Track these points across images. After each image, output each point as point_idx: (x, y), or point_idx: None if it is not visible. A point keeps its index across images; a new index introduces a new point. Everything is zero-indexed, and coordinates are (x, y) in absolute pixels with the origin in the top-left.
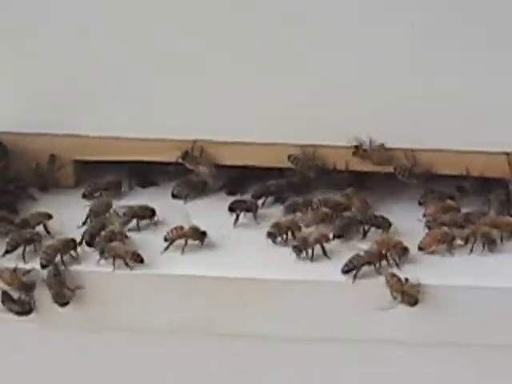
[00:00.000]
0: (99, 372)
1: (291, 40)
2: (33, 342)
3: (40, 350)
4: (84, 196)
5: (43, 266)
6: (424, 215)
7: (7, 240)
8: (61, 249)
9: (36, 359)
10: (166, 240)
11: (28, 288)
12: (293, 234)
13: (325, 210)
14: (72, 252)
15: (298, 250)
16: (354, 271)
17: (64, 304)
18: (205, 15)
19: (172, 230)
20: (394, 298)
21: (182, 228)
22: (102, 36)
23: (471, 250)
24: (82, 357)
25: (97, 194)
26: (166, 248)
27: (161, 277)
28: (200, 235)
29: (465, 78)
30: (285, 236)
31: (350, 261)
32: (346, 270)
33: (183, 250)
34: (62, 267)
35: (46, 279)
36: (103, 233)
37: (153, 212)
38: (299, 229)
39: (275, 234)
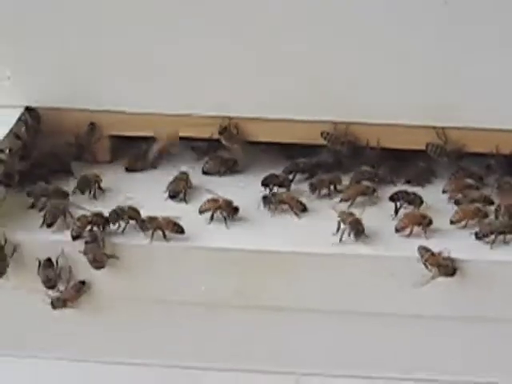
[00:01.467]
0: (132, 343)
1: (325, 24)
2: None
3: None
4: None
5: (74, 238)
6: (443, 191)
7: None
8: (92, 221)
9: (65, 329)
10: (200, 212)
11: None
12: (335, 187)
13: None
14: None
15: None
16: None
17: (100, 268)
18: None
19: (206, 202)
20: (431, 272)
21: (216, 200)
22: (141, 16)
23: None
24: (117, 329)
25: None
26: (211, 219)
27: (193, 249)
28: (232, 209)
29: (495, 56)
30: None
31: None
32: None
33: (211, 219)
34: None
35: (84, 246)
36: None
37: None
38: (340, 183)
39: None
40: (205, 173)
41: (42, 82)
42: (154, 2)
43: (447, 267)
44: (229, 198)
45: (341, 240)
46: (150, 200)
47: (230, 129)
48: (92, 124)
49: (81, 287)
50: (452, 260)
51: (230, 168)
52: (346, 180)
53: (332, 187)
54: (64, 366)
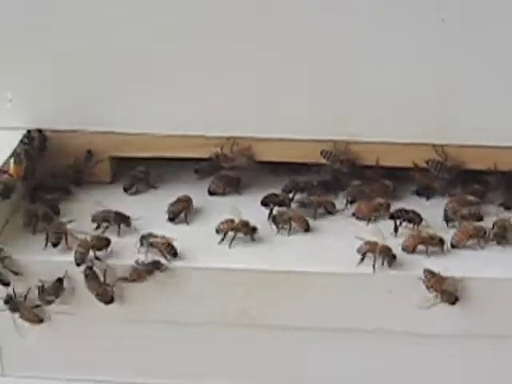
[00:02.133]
0: (139, 364)
1: (326, 41)
2: (73, 334)
3: (80, 342)
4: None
5: (78, 265)
6: (445, 210)
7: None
8: (95, 245)
9: (76, 350)
10: (217, 232)
11: None
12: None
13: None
14: (105, 248)
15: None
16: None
17: (109, 302)
18: (235, 16)
19: (223, 223)
20: (436, 297)
21: (232, 221)
22: (140, 36)
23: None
24: (122, 349)
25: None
26: (221, 240)
27: (199, 270)
28: (250, 229)
29: (494, 74)
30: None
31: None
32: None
33: (231, 242)
34: (96, 264)
35: (85, 282)
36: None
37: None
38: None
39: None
40: (210, 193)
41: (43, 104)
42: (154, 23)
43: (451, 295)
44: (245, 219)
45: (374, 270)
46: (152, 222)
47: (232, 148)
48: (89, 151)
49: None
50: (456, 288)
51: (235, 187)
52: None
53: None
54: None
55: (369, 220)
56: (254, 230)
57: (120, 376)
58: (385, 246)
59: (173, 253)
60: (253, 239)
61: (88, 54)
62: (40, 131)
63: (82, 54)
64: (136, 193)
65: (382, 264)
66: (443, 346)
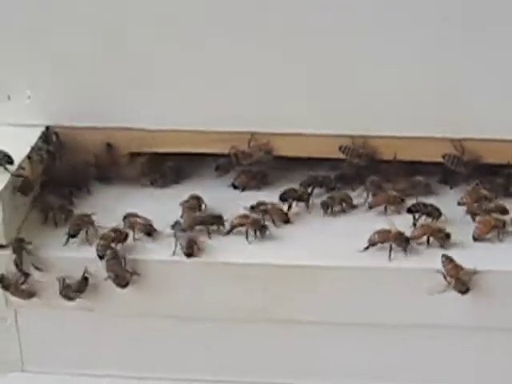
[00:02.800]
0: (151, 358)
1: (337, 36)
2: (89, 329)
3: (95, 337)
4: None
5: (100, 257)
6: (458, 203)
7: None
8: (115, 238)
9: (91, 345)
10: (232, 227)
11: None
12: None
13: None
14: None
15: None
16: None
17: (125, 285)
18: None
19: (236, 218)
20: (448, 283)
21: (247, 217)
22: (154, 31)
23: None
24: (136, 344)
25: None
26: (228, 232)
27: (213, 265)
28: (261, 227)
29: (507, 68)
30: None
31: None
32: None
33: (246, 237)
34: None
35: (105, 264)
36: None
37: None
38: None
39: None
40: (234, 187)
41: (62, 101)
42: (171, 22)
43: (463, 284)
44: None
45: (390, 258)
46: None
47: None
48: (108, 144)
49: None
50: (470, 278)
51: (260, 181)
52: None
53: (344, 204)
54: (79, 381)
55: (385, 210)
56: (264, 227)
57: (136, 371)
58: (397, 232)
59: (147, 232)
60: (262, 237)
61: (103, 51)
62: (56, 134)
63: (97, 51)
64: (163, 186)
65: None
66: (456, 338)
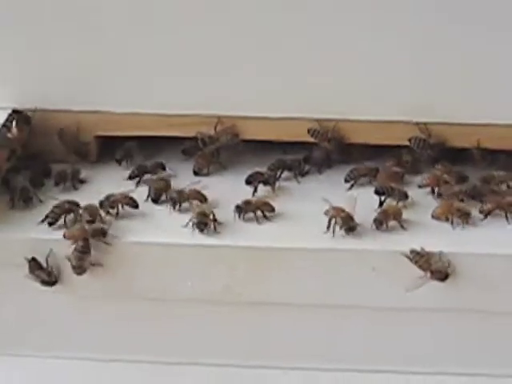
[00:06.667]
0: (122, 340)
1: (307, 20)
2: (60, 310)
3: (64, 320)
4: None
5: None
6: (419, 186)
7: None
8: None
9: (63, 327)
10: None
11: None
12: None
13: None
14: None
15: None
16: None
17: (82, 273)
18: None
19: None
20: (425, 276)
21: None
22: (124, 16)
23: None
24: (104, 326)
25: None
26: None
27: (182, 247)
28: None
29: (476, 52)
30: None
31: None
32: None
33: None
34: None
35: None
36: None
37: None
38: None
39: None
40: (195, 173)
41: (29, 83)
42: (138, 6)
43: (440, 272)
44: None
45: (330, 231)
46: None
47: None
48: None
49: None
50: (445, 265)
51: (218, 163)
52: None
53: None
54: (51, 363)
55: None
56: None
57: (102, 353)
58: (348, 214)
59: (134, 205)
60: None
61: (74, 35)
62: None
63: (68, 33)
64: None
65: (340, 229)
66: (424, 320)
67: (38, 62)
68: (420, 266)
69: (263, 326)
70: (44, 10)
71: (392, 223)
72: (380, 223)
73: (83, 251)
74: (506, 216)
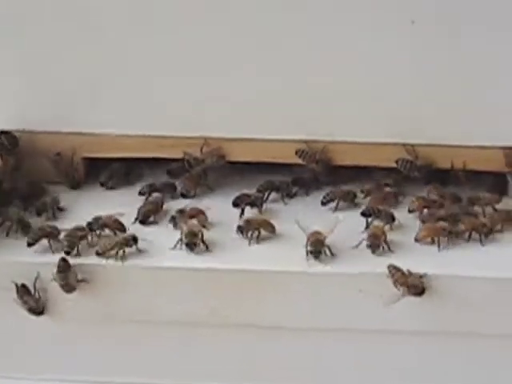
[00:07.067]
0: (110, 362)
1: (298, 41)
2: (45, 334)
3: (51, 342)
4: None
5: (67, 253)
6: (409, 210)
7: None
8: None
9: (48, 350)
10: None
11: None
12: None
13: None
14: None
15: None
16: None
17: (71, 291)
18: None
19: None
20: (401, 293)
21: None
22: (110, 37)
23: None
24: (92, 348)
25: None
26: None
27: (167, 270)
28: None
29: (462, 77)
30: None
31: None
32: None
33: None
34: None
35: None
36: None
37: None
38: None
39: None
40: (183, 195)
41: (16, 105)
42: (120, 24)
43: (417, 287)
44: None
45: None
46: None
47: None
48: (58, 154)
49: None
50: (421, 280)
51: (205, 185)
52: None
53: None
54: None
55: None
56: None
57: (91, 376)
58: (319, 239)
59: (122, 228)
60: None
61: (59, 58)
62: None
63: (52, 58)
64: (112, 188)
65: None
66: (405, 343)
67: (23, 84)
68: (396, 281)
69: (251, 349)
70: (27, 32)
71: None
72: (377, 246)
73: (64, 270)
74: (480, 238)
